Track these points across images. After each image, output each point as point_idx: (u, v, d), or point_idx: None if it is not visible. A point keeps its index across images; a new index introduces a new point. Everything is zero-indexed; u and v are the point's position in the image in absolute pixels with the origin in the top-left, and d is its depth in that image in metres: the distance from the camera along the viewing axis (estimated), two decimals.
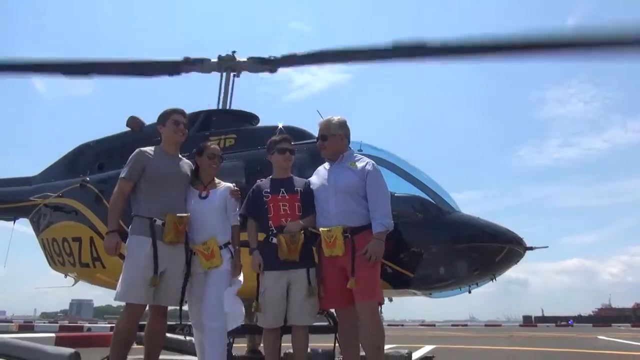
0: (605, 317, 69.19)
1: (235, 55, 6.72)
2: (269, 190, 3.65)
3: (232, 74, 6.78)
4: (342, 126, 3.80)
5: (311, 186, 3.73)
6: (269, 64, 6.67)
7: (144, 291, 3.34)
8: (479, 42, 4.96)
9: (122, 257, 3.58)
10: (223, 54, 6.68)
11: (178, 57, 6.49)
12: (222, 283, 3.58)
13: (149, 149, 3.68)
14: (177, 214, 3.50)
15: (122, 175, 3.57)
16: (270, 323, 3.53)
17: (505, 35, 4.78)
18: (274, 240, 3.50)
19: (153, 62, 6.59)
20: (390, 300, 5.16)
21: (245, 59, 6.74)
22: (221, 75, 6.78)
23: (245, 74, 6.85)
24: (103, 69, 6.80)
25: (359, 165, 3.64)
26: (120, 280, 3.43)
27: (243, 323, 3.78)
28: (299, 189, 3.66)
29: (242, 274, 3.72)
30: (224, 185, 3.84)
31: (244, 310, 3.70)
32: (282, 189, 3.63)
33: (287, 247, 3.45)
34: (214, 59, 6.63)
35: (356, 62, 6.03)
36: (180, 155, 3.86)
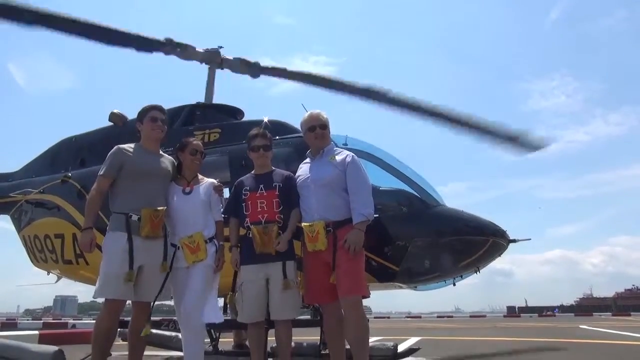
0: (587, 307, 70.55)
1: (221, 51, 6.69)
2: (248, 188, 3.65)
3: (215, 69, 6.74)
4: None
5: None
6: (252, 69, 6.72)
7: (121, 287, 3.32)
8: (429, 108, 6.05)
9: None
10: (210, 47, 6.65)
11: (160, 37, 6.35)
12: (205, 278, 3.57)
13: (128, 146, 3.67)
14: (153, 208, 3.48)
15: (100, 172, 3.56)
16: (249, 318, 3.52)
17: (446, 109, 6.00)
18: (251, 235, 3.52)
19: (131, 33, 6.37)
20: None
21: (231, 58, 6.72)
22: (208, 68, 6.75)
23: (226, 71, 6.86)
24: (72, 27, 6.02)
25: (339, 158, 3.66)
26: (98, 277, 3.42)
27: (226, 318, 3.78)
28: (277, 184, 3.64)
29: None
30: (208, 180, 3.83)
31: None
32: (261, 186, 3.63)
33: (260, 239, 3.46)
34: (199, 49, 6.58)
35: (335, 91, 6.70)
36: (161, 152, 3.84)
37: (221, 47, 6.70)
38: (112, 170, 3.53)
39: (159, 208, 3.52)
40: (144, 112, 3.74)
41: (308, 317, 4.79)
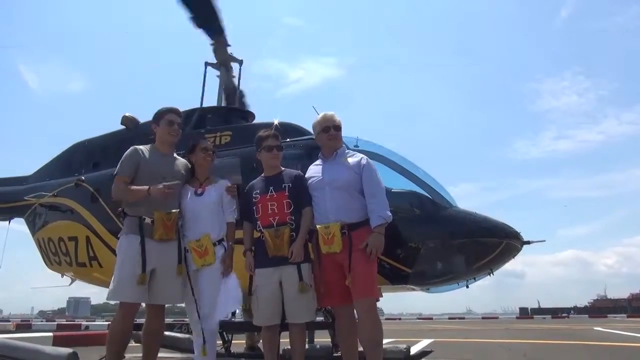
0: (601, 308, 69.59)
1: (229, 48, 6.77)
2: (258, 191, 3.62)
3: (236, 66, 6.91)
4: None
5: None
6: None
7: (134, 290, 3.33)
8: None
9: None
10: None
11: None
12: (214, 282, 3.57)
13: (143, 147, 3.67)
14: (165, 211, 3.48)
15: (115, 172, 3.56)
16: (264, 321, 3.51)
17: None
18: (263, 238, 3.50)
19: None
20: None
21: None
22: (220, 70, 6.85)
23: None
24: None
25: (352, 160, 3.63)
26: (112, 280, 3.43)
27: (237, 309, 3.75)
28: (287, 184, 3.59)
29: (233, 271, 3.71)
30: (220, 182, 3.82)
31: (241, 296, 3.68)
32: (271, 187, 3.58)
33: (272, 242, 3.43)
34: (211, 60, 6.72)
35: None
36: (175, 154, 3.84)
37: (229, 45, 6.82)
38: (128, 170, 3.54)
39: (172, 211, 3.52)
40: (161, 115, 3.74)
41: (319, 319, 4.77)
